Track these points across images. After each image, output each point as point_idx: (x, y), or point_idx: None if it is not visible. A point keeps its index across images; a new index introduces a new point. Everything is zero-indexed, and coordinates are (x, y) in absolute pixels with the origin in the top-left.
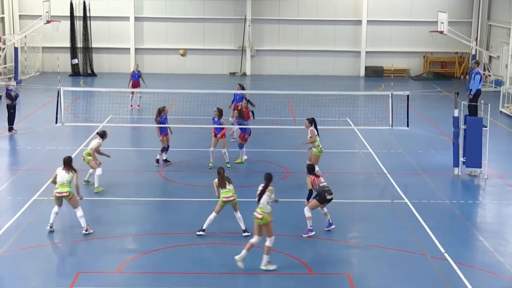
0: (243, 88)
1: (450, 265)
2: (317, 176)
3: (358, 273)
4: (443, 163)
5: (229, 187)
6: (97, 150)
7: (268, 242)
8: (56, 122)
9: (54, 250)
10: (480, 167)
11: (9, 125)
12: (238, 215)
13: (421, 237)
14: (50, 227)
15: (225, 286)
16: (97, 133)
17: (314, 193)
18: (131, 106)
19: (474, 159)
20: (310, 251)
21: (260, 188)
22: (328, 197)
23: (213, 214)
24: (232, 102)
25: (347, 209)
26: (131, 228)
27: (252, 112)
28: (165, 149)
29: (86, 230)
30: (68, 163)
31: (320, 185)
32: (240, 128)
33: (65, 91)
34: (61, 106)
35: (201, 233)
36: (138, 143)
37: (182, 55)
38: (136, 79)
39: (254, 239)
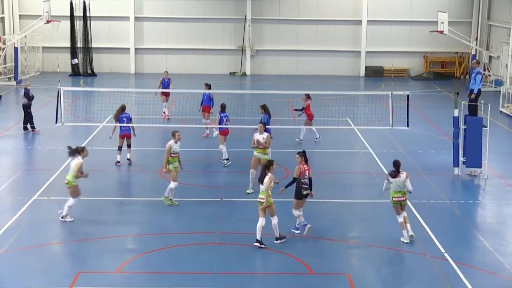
0: (209, 88)
1: (450, 265)
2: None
3: (358, 273)
4: (443, 163)
5: (262, 187)
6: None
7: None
8: (56, 122)
9: (54, 250)
10: (480, 167)
11: (24, 124)
12: (273, 221)
13: (421, 237)
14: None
15: (225, 286)
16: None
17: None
18: (164, 113)
19: (474, 159)
20: (310, 251)
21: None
22: (304, 192)
23: (260, 220)
24: (201, 104)
25: (347, 209)
26: (131, 228)
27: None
28: (120, 148)
29: (63, 217)
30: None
31: (302, 180)
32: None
33: (65, 91)
34: (61, 106)
35: (257, 244)
36: (138, 143)
37: None
38: (166, 87)
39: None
